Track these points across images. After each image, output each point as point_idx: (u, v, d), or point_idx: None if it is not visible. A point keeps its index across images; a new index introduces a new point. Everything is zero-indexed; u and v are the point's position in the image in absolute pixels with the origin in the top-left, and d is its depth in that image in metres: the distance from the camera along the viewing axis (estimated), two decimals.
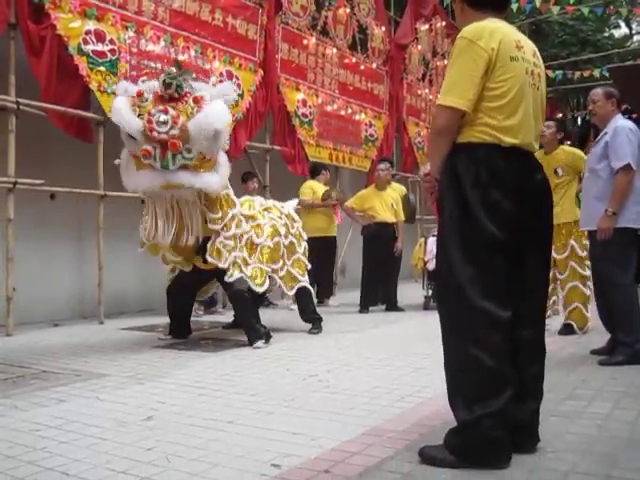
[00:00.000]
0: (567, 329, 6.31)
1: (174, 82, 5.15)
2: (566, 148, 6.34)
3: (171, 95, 5.16)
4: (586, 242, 5.87)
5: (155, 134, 4.99)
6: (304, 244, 6.95)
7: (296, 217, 6.99)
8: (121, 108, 5.13)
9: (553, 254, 5.89)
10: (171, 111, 5.05)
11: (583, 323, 6.33)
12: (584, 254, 6.33)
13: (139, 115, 5.07)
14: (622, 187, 4.90)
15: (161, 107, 5.05)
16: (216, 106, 5.26)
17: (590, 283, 5.99)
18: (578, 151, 6.46)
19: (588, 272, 6.33)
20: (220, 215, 5.73)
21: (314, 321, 6.85)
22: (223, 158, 5.60)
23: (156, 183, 5.19)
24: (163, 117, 5.00)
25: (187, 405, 3.82)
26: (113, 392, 4.17)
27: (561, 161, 6.18)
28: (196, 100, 5.19)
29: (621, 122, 5.08)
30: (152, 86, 5.24)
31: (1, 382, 4.47)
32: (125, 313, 8.48)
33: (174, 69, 5.33)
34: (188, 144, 5.10)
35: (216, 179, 5.44)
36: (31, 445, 3.08)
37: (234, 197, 6.02)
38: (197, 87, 5.36)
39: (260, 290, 6.21)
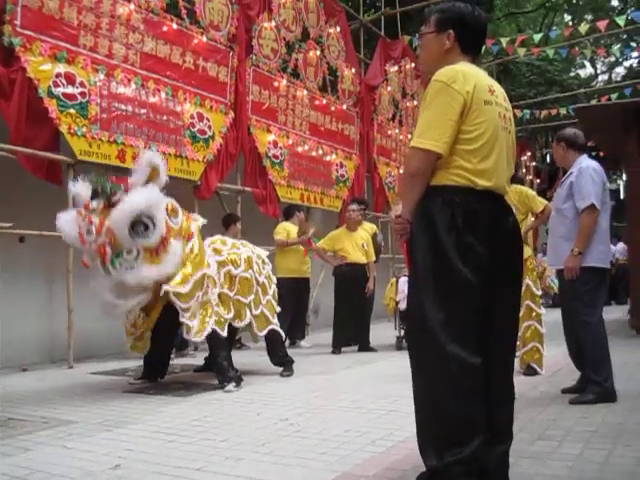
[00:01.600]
0: (530, 370, 6.30)
1: (98, 188, 5.31)
2: (516, 187, 6.39)
3: (109, 202, 5.27)
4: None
5: (88, 246, 5.18)
6: (274, 287, 6.93)
7: (267, 260, 6.97)
8: (62, 227, 5.35)
9: None
10: (94, 220, 5.17)
11: (541, 362, 6.36)
12: (539, 292, 6.42)
13: None
14: (587, 227, 4.97)
15: (86, 219, 5.19)
16: (131, 194, 5.28)
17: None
18: (528, 190, 6.57)
19: (543, 310, 6.42)
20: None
21: (285, 364, 6.80)
22: (175, 247, 5.56)
23: (107, 287, 5.32)
24: (89, 228, 5.16)
25: (156, 452, 3.76)
26: (80, 439, 4.10)
27: (514, 200, 6.21)
28: (116, 201, 5.26)
29: (585, 162, 5.18)
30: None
31: None
32: (95, 357, 8.36)
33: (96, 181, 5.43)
34: (120, 242, 5.18)
35: (164, 271, 5.44)
36: None
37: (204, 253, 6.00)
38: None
39: (242, 325, 6.38)
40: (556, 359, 6.86)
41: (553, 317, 7.81)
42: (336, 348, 8.76)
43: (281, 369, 6.76)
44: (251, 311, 6.46)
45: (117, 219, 5.13)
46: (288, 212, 9.93)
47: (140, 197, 5.24)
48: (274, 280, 7.01)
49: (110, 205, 5.23)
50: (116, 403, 5.33)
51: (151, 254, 5.32)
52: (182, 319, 5.66)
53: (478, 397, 2.70)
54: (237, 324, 6.33)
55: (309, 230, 9.31)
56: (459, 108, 2.73)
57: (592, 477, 3.13)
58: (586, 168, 5.11)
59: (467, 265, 2.69)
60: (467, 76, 2.78)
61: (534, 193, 6.58)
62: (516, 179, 6.51)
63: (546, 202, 6.41)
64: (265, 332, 6.64)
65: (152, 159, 5.57)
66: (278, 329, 6.79)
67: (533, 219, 6.65)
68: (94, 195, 5.30)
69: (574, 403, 4.93)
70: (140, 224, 5.20)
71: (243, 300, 6.36)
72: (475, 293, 2.72)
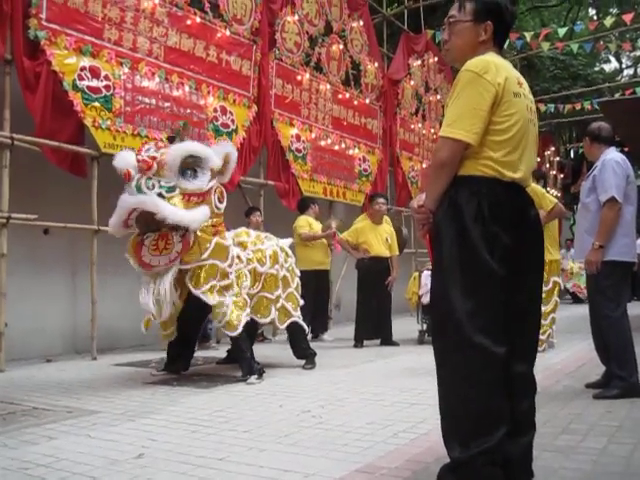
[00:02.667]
0: None
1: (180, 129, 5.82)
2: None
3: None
4: None
5: (139, 157, 5.38)
6: (297, 280, 6.93)
7: (290, 252, 6.97)
8: (124, 154, 5.66)
9: None
10: (160, 143, 5.61)
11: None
12: None
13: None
14: (608, 220, 4.92)
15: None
16: (195, 142, 5.72)
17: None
18: (537, 187, 6.49)
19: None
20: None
21: (308, 356, 6.79)
22: (204, 209, 5.65)
23: (127, 204, 5.41)
24: (149, 147, 5.53)
25: (179, 442, 3.78)
26: (104, 429, 4.13)
27: None
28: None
29: (610, 155, 5.12)
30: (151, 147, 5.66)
31: None
32: (118, 348, 8.42)
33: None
34: (166, 171, 5.39)
35: (186, 218, 5.42)
36: None
37: (225, 241, 6.02)
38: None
39: (266, 321, 6.44)
40: (580, 354, 6.83)
41: (578, 312, 7.76)
42: (358, 342, 8.76)
43: (303, 362, 6.76)
44: (275, 306, 6.49)
45: (173, 150, 5.46)
46: (303, 205, 9.93)
47: (201, 146, 5.66)
48: (297, 273, 7.01)
49: None
50: (139, 394, 5.36)
51: (183, 198, 5.47)
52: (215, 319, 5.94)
53: (502, 387, 2.68)
54: (262, 320, 6.40)
55: (333, 224, 9.32)
56: (490, 99, 2.70)
57: (617, 471, 3.11)
58: (609, 160, 5.05)
59: (493, 255, 2.67)
60: (499, 67, 2.74)
61: (544, 191, 6.53)
62: (537, 174, 6.47)
63: (556, 201, 6.37)
64: (285, 325, 6.64)
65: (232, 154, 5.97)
66: (300, 322, 6.79)
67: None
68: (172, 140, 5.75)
69: (598, 398, 4.89)
70: (189, 170, 5.51)
71: (269, 296, 6.41)
72: (500, 284, 2.70)
